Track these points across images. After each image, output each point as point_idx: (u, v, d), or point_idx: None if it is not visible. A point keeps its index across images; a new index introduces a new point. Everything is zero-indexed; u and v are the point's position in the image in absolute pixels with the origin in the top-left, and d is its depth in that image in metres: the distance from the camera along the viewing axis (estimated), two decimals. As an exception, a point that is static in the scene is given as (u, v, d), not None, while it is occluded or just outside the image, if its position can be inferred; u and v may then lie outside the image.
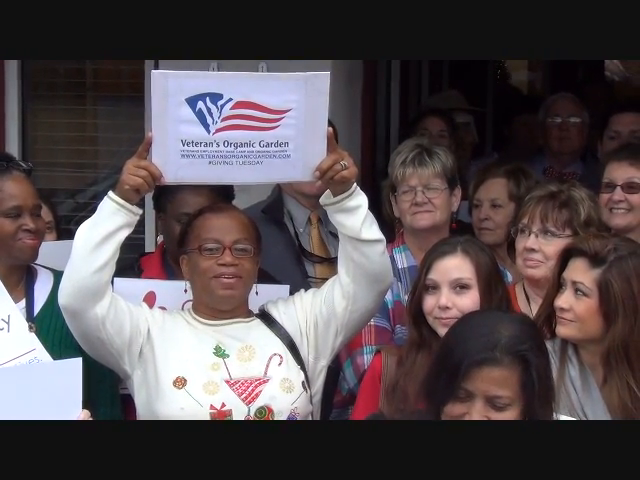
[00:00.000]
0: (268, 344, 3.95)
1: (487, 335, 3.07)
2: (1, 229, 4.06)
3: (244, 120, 3.74)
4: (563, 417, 3.37)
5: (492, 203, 5.03)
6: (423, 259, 3.89)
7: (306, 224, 5.03)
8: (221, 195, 4.58)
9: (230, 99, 3.69)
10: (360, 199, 3.82)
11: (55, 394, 3.43)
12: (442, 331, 3.58)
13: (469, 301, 3.73)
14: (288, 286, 4.34)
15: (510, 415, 3.04)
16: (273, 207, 5.00)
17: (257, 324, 4.03)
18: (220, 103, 3.69)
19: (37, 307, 4.16)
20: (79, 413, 3.46)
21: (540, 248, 4.05)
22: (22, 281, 4.16)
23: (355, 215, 3.79)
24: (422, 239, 4.53)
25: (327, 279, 4.71)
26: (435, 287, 3.73)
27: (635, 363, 3.54)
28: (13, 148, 6.08)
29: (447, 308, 3.71)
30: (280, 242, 4.88)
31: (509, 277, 4.52)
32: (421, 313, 3.77)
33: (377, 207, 4.74)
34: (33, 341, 3.98)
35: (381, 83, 7.31)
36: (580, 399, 3.59)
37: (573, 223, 4.06)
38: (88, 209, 6.39)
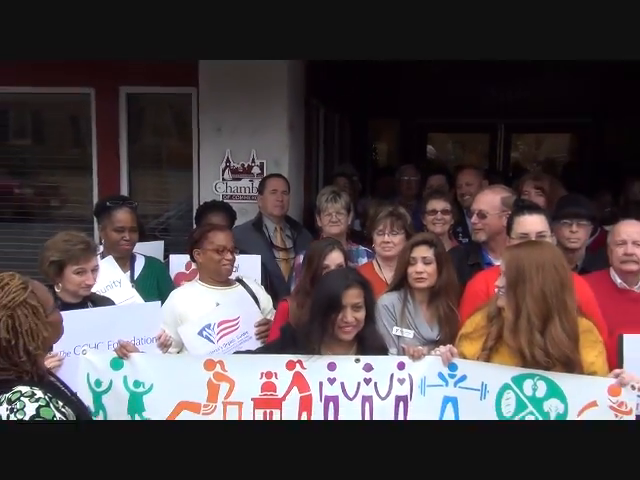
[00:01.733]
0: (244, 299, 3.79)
1: (344, 276, 3.07)
2: (111, 238, 4.13)
3: (226, 330, 3.58)
4: (397, 327, 3.36)
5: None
6: (316, 254, 3.59)
7: (274, 231, 4.93)
8: (232, 218, 4.70)
9: (214, 323, 3.54)
10: None
11: (145, 318, 3.33)
12: None
13: None
14: (259, 256, 4.31)
15: (363, 312, 3.00)
16: (258, 223, 4.94)
17: (238, 287, 3.84)
18: (212, 327, 3.54)
19: (136, 275, 4.15)
20: (159, 331, 3.30)
21: (390, 240, 3.89)
22: (127, 261, 4.19)
23: None
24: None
25: (285, 259, 4.75)
26: (327, 267, 3.54)
27: (448, 295, 3.44)
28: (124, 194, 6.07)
29: None
30: (261, 240, 4.79)
31: (366, 258, 4.33)
32: (314, 280, 3.47)
33: (313, 221, 4.78)
34: (134, 293, 3.95)
35: (315, 155, 7.20)
36: (413, 319, 3.44)
37: (405, 226, 3.93)
38: (163, 225, 6.38)
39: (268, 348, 3.19)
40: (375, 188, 6.96)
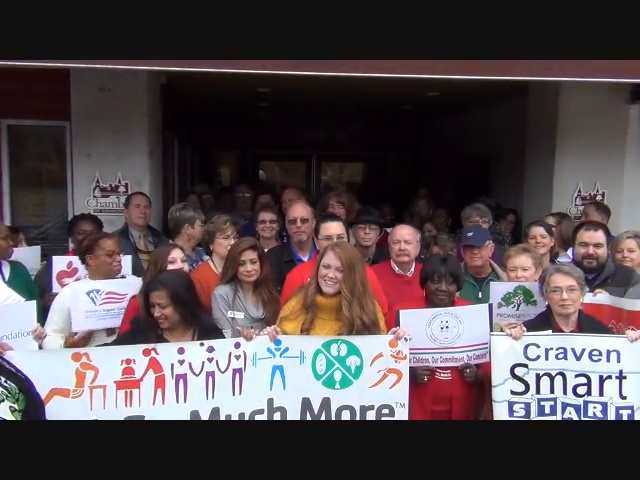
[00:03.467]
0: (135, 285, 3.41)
1: (156, 279, 2.90)
2: (1, 246, 3.64)
3: (110, 299, 3.28)
4: (231, 311, 3.17)
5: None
6: (161, 254, 3.31)
7: (139, 238, 4.59)
8: (99, 226, 4.26)
9: (103, 291, 3.26)
10: None
11: (22, 315, 2.90)
12: None
13: None
14: (130, 256, 3.88)
15: (170, 310, 2.80)
16: (124, 231, 4.55)
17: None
18: (99, 293, 3.25)
19: (6, 277, 3.65)
20: (35, 325, 2.89)
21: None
22: None
23: None
24: (188, 245, 4.19)
25: (147, 261, 4.40)
26: (173, 261, 3.26)
27: (267, 284, 3.29)
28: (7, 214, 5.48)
29: None
30: (128, 245, 4.35)
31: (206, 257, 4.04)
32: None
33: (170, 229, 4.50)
34: (11, 292, 3.35)
35: (171, 177, 6.85)
36: (243, 303, 3.23)
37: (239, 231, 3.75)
38: (43, 235, 5.70)
39: (122, 339, 2.93)
40: (219, 203, 6.69)
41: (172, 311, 2.80)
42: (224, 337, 2.95)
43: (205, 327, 2.89)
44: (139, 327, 2.84)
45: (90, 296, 3.27)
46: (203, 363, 2.74)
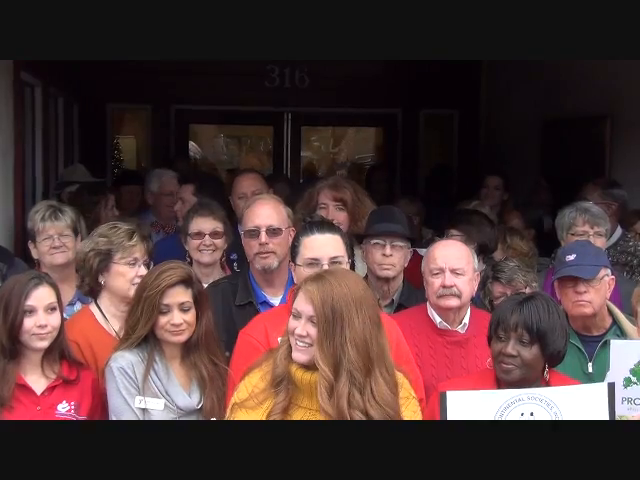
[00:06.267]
0: None
1: None
2: None
3: None
4: (141, 397, 3.27)
5: None
6: (16, 292, 3.32)
7: None
8: None
9: None
10: None
11: None
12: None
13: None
14: None
15: None
16: None
17: None
18: None
19: None
20: None
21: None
22: None
23: None
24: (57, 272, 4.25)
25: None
26: (32, 310, 3.28)
27: (208, 347, 3.41)
28: None
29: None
30: None
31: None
32: (12, 331, 3.27)
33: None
34: None
35: (30, 155, 6.96)
36: (163, 383, 3.33)
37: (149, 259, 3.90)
38: None
39: None
40: (119, 199, 6.76)
41: None
42: None
43: None
44: None
45: None
46: None
